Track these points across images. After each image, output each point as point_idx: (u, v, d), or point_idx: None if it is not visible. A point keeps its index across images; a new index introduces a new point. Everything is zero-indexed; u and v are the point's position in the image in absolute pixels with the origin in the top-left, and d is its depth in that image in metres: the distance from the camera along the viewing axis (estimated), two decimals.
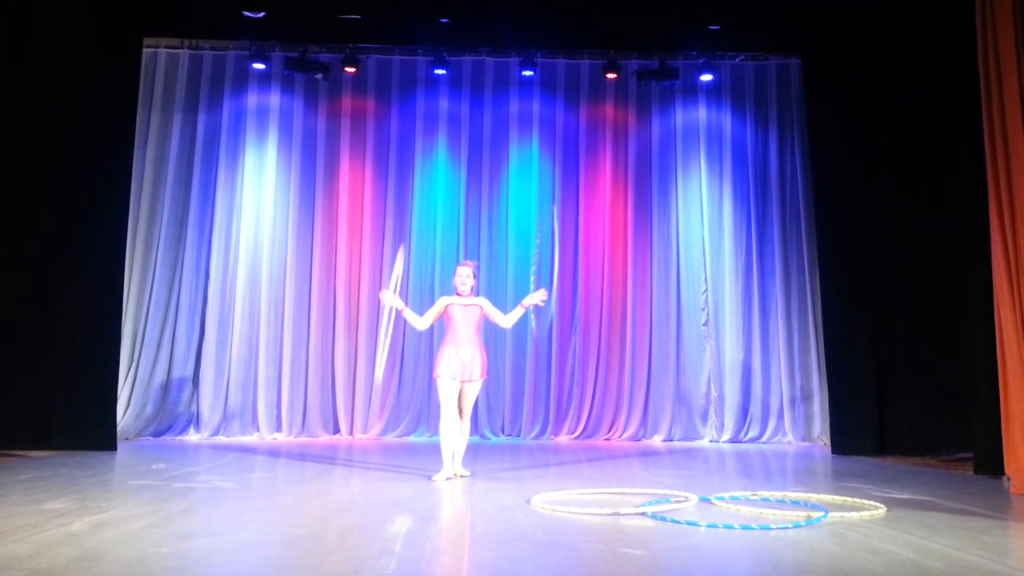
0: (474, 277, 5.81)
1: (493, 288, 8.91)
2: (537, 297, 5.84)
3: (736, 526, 3.93)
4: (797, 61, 9.07)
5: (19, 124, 7.15)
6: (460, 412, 5.73)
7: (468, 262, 6.03)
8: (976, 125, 5.85)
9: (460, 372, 5.63)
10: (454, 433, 5.64)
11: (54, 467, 6.03)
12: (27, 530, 3.67)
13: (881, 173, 7.95)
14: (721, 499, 4.68)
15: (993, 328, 5.59)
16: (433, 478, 5.54)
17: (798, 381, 9.02)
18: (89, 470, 5.90)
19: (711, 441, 8.92)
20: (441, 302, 5.87)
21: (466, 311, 5.73)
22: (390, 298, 5.83)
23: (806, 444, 8.77)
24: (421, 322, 5.91)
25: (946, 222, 7.24)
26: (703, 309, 9.21)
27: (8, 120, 7.07)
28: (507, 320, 5.90)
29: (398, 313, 5.93)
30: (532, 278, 9.09)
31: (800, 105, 9.08)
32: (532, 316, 8.48)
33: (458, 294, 5.78)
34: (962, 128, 6.24)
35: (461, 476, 5.74)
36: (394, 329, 8.98)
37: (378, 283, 9.13)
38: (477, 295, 5.92)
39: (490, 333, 8.67)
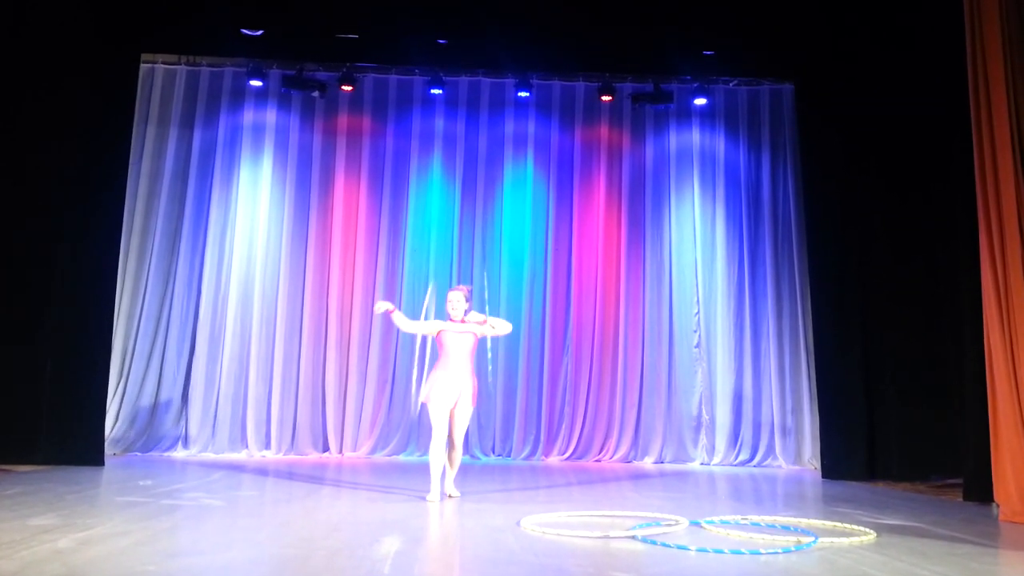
0: (467, 301, 5.75)
1: (486, 308, 8.91)
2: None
3: (726, 551, 3.92)
4: (790, 86, 9.15)
5: (14, 135, 7.16)
6: (451, 440, 5.66)
7: (460, 287, 5.95)
8: (966, 152, 5.89)
9: (449, 397, 5.59)
10: (444, 456, 5.59)
11: (40, 482, 5.98)
12: (12, 547, 3.63)
13: (873, 198, 8.02)
14: (711, 523, 4.67)
15: (983, 354, 5.62)
16: (427, 499, 5.51)
17: (789, 405, 9.03)
18: (76, 486, 5.85)
19: (702, 464, 8.90)
20: (435, 325, 5.82)
21: (459, 338, 5.66)
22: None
23: (796, 468, 8.77)
24: (409, 326, 5.96)
25: (937, 251, 7.29)
26: (695, 331, 9.22)
27: (3, 131, 7.07)
28: (498, 324, 5.84)
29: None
30: (525, 300, 9.10)
31: (793, 129, 9.16)
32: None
33: (451, 319, 5.74)
34: (952, 157, 6.29)
35: (451, 496, 5.71)
36: (383, 348, 9.03)
37: (371, 301, 9.12)
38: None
39: (483, 352, 8.68)
